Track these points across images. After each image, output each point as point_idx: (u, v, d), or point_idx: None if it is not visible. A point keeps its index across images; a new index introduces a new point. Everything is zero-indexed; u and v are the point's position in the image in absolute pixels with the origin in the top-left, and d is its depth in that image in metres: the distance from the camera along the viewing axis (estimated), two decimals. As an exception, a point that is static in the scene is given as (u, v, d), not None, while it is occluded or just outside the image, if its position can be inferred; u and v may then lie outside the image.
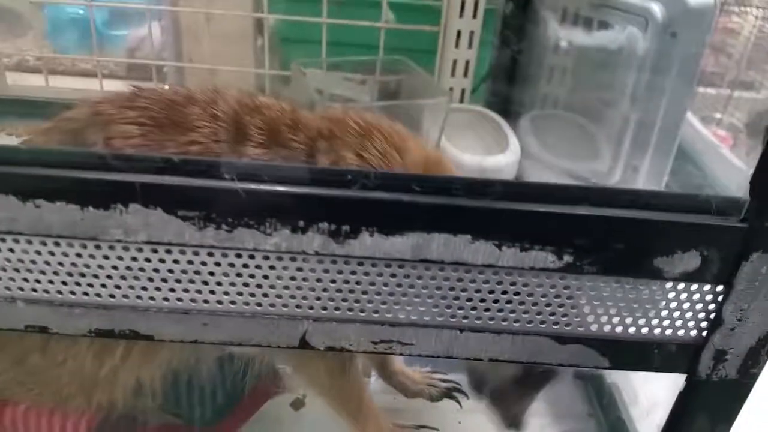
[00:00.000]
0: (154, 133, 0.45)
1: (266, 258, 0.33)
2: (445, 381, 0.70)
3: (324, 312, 0.35)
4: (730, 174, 0.96)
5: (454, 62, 0.90)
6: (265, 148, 0.45)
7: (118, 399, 0.51)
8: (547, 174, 0.84)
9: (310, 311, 0.35)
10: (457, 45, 0.89)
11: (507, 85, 0.92)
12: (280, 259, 0.33)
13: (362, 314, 0.35)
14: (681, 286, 0.34)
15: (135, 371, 0.50)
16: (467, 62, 0.90)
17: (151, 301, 0.35)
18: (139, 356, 0.49)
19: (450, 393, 0.69)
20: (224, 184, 0.31)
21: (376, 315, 0.35)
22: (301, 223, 0.32)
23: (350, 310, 0.35)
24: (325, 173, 0.31)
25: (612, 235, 0.32)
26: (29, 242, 0.33)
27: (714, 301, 0.34)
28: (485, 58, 0.93)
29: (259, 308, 0.35)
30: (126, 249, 0.33)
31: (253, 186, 0.31)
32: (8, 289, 0.35)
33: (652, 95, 0.82)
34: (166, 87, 0.49)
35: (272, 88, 0.96)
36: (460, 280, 0.34)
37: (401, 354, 0.36)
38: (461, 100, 0.92)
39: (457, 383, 0.69)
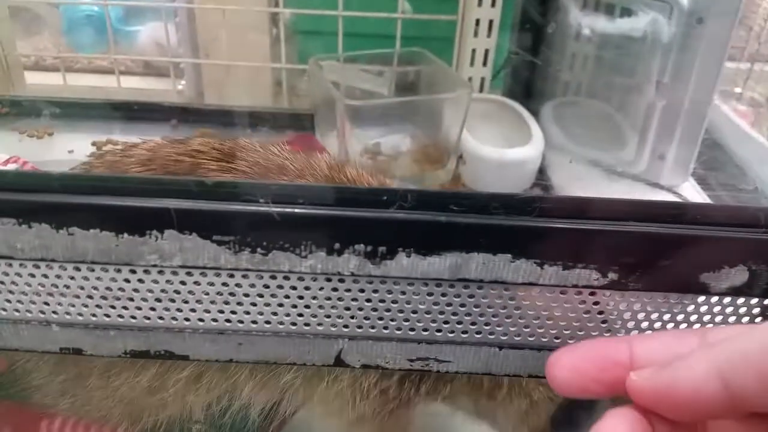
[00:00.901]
0: None
1: (301, 279, 0.33)
2: None
3: (359, 330, 0.35)
4: (757, 154, 0.94)
5: (473, 51, 0.89)
6: None
7: (162, 422, 0.52)
8: (572, 165, 0.83)
9: (345, 330, 0.35)
10: (475, 34, 0.87)
11: (527, 74, 0.90)
12: (315, 280, 0.33)
13: (398, 332, 0.35)
14: (727, 300, 0.33)
15: (182, 399, 0.50)
16: (486, 51, 0.88)
17: (186, 322, 0.34)
18: (187, 384, 0.49)
19: None
20: (259, 208, 0.30)
21: (412, 333, 0.35)
22: (337, 245, 0.31)
23: (386, 328, 0.35)
24: (361, 194, 0.31)
25: (658, 251, 0.31)
26: (63, 268, 0.33)
27: (762, 314, 0.33)
28: (504, 47, 0.91)
29: (293, 327, 0.35)
30: (161, 273, 0.32)
31: (288, 209, 0.30)
32: (42, 312, 0.35)
33: (678, 82, 0.80)
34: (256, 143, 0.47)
35: (289, 82, 0.95)
36: (499, 298, 0.33)
37: (438, 371, 0.36)
38: (480, 90, 0.91)
39: None
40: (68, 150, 0.73)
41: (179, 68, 0.93)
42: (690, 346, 0.29)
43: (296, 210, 0.30)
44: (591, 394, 0.30)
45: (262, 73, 0.94)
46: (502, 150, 0.75)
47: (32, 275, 0.33)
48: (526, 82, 0.90)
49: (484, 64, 0.89)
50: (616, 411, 0.29)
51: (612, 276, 0.32)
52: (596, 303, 0.33)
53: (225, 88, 0.95)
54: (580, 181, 0.84)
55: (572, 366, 0.30)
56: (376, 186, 0.49)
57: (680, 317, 0.34)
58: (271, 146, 0.49)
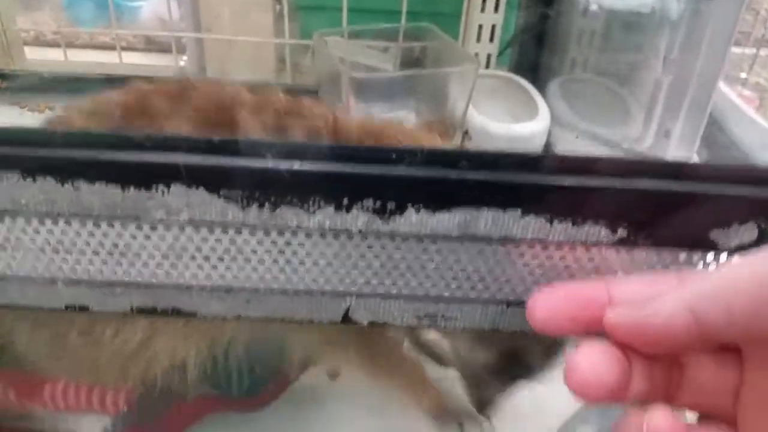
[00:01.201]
0: (204, 132, 0.45)
1: (309, 236, 0.33)
2: None
3: (367, 288, 0.35)
4: (760, 138, 0.94)
5: (480, 27, 0.88)
6: None
7: (156, 374, 0.52)
8: (578, 141, 0.82)
9: (353, 287, 0.35)
10: (482, 9, 0.86)
11: (534, 50, 0.89)
12: (323, 236, 0.33)
13: (406, 290, 0.35)
14: (723, 260, 0.33)
15: (172, 348, 0.50)
16: (493, 27, 0.88)
17: (193, 279, 0.34)
18: (175, 334, 0.49)
19: None
20: (267, 164, 0.30)
21: (420, 290, 0.35)
22: (346, 201, 0.31)
23: (394, 285, 0.34)
24: (370, 151, 0.30)
25: (668, 208, 0.31)
26: (68, 223, 0.32)
27: (771, 273, 0.33)
28: (511, 23, 0.90)
29: (301, 285, 0.35)
30: (168, 228, 0.32)
31: (297, 165, 0.30)
32: (48, 269, 0.34)
33: (686, 58, 0.79)
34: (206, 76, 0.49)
35: (292, 58, 0.94)
36: (507, 254, 0.33)
37: (445, 328, 0.36)
38: (487, 66, 0.90)
39: None
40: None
41: (181, 44, 0.92)
42: (668, 286, 0.29)
43: (305, 166, 0.30)
44: (569, 332, 0.31)
45: (265, 50, 0.94)
46: (508, 125, 0.75)
47: (37, 231, 0.33)
48: (533, 59, 0.90)
49: (491, 40, 0.89)
50: (591, 342, 0.29)
51: (621, 233, 0.31)
52: (605, 259, 0.33)
53: (227, 64, 0.95)
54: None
55: (551, 306, 0.31)
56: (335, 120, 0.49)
57: (689, 276, 0.33)
58: (225, 81, 0.49)
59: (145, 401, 0.54)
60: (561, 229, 0.31)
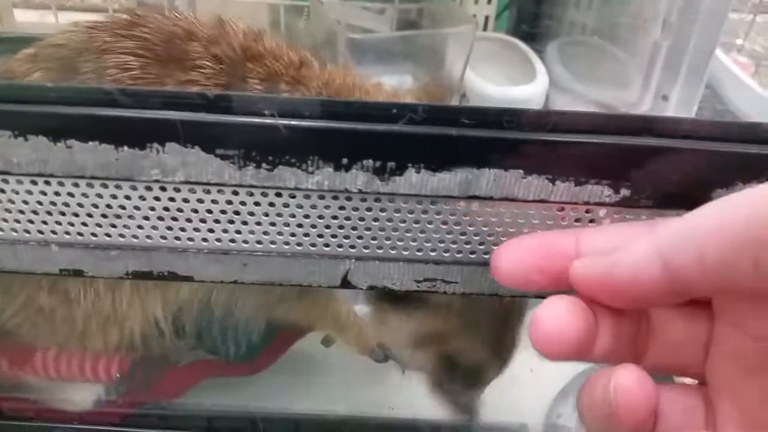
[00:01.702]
0: (153, 67, 0.43)
1: (307, 197, 0.32)
2: None
3: (366, 251, 0.34)
4: (756, 104, 0.93)
5: (477, -12, 0.86)
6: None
7: (135, 337, 0.51)
8: (576, 104, 0.81)
9: (352, 250, 0.34)
10: (480, -31, 0.85)
11: (532, 12, 0.88)
12: (321, 197, 0.32)
13: (406, 252, 0.34)
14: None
15: (144, 307, 0.50)
16: (491, -12, 0.86)
17: (190, 242, 0.34)
18: (145, 293, 0.48)
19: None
20: (264, 121, 0.29)
21: (420, 253, 0.34)
22: (345, 161, 0.30)
23: (393, 248, 0.34)
24: (370, 107, 0.30)
25: (671, 167, 0.30)
26: (61, 184, 0.32)
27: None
28: (508, -17, 0.88)
29: (299, 248, 0.34)
30: (163, 189, 0.32)
31: (295, 122, 0.29)
32: (41, 232, 0.34)
33: (685, 20, 0.78)
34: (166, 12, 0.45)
35: (287, 21, 0.92)
36: (508, 216, 0.32)
37: (444, 293, 0.35)
38: (485, 28, 0.89)
39: None
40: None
41: (174, 6, 0.90)
42: (639, 236, 0.27)
43: (303, 123, 0.29)
44: (535, 285, 0.30)
45: (259, 12, 0.91)
46: (506, 88, 0.74)
47: (29, 192, 0.32)
48: (531, 21, 0.88)
49: (489, 1, 0.87)
50: (557, 296, 0.28)
51: (624, 192, 0.31)
52: (606, 219, 0.32)
53: (221, 26, 0.93)
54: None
55: (516, 256, 0.30)
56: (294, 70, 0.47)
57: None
58: (177, 13, 0.46)
59: (139, 368, 0.53)
60: (563, 189, 0.31)
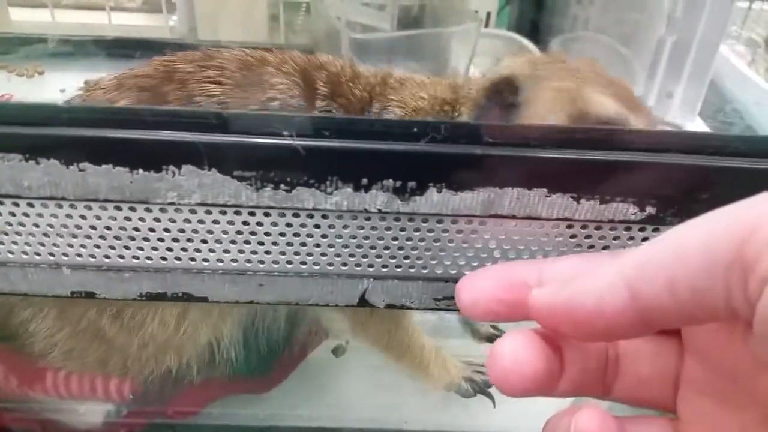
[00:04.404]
0: (235, 91, 0.46)
1: (325, 217, 0.31)
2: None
3: (385, 270, 0.34)
4: (755, 95, 0.93)
5: (478, -16, 0.85)
6: (331, 100, 0.47)
7: (191, 361, 0.51)
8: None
9: (370, 269, 0.34)
10: (481, -35, 0.83)
11: (534, 8, 0.87)
12: (340, 217, 0.31)
13: (425, 271, 0.34)
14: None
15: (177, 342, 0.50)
16: (492, -17, 0.85)
17: (205, 263, 0.33)
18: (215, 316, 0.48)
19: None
20: (282, 141, 0.28)
21: (439, 272, 0.34)
22: (364, 181, 0.30)
23: (412, 267, 0.33)
24: (391, 126, 0.29)
25: (698, 184, 0.30)
26: (73, 207, 0.31)
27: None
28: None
29: (316, 267, 0.33)
30: (178, 211, 0.31)
31: (314, 142, 0.29)
32: (52, 255, 0.33)
33: (690, 16, 0.77)
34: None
35: (286, 17, 0.91)
36: (531, 235, 0.32)
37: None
38: (486, 24, 0.88)
39: None
40: (60, 89, 0.69)
41: (171, 3, 0.89)
42: (603, 264, 0.25)
43: (322, 143, 0.29)
44: (496, 316, 0.28)
45: (258, 8, 0.90)
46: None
47: (41, 215, 0.31)
48: (533, 17, 0.87)
49: (490, -3, 0.86)
50: (515, 331, 0.27)
51: (650, 210, 0.30)
52: (631, 239, 0.32)
53: (218, 23, 0.91)
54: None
55: (478, 287, 0.29)
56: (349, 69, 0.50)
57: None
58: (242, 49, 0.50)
59: (152, 387, 0.53)
60: (588, 207, 0.30)
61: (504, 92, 0.43)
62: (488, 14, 0.87)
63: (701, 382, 0.26)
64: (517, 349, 0.26)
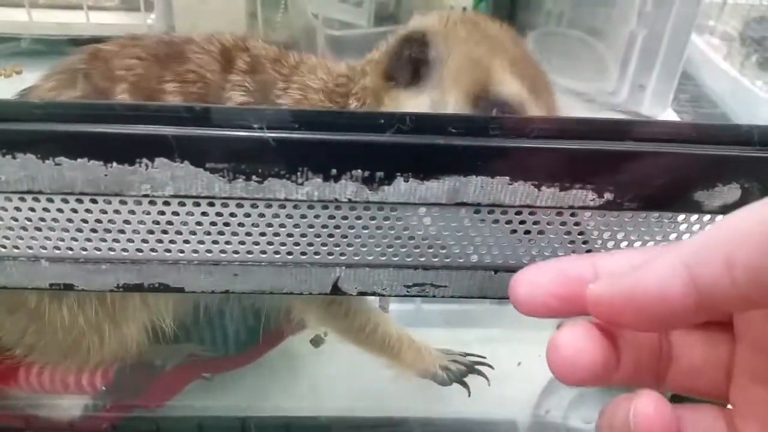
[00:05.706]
0: (155, 64, 0.49)
1: (297, 207, 0.32)
2: (466, 355, 0.67)
3: (356, 258, 0.35)
4: (730, 88, 0.95)
5: (454, -21, 0.86)
6: (246, 74, 0.51)
7: (133, 344, 0.52)
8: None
9: (342, 258, 0.35)
10: (456, -39, 0.85)
11: (509, 3, 0.88)
12: (311, 207, 0.32)
13: (395, 259, 0.35)
14: (720, 218, 0.33)
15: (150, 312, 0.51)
16: (467, -21, 0.86)
17: (180, 254, 0.34)
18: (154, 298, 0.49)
19: (473, 368, 0.67)
20: (253, 134, 0.29)
21: (409, 259, 0.35)
22: (334, 171, 0.31)
23: (383, 255, 0.35)
24: (359, 117, 0.30)
25: (653, 171, 0.31)
26: (50, 200, 0.32)
27: (751, 232, 0.34)
28: (485, -26, 0.89)
29: (289, 257, 0.34)
30: (152, 203, 0.32)
31: (284, 134, 0.30)
32: (30, 248, 0.34)
33: (660, 11, 0.79)
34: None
35: (264, 14, 0.92)
36: (495, 221, 0.33)
37: (434, 297, 0.36)
38: (461, 20, 0.89)
39: (482, 356, 0.67)
40: (37, 87, 0.69)
41: (149, 2, 0.89)
42: (658, 254, 0.26)
43: (292, 135, 0.30)
44: (553, 311, 0.29)
45: (236, 5, 0.91)
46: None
47: (18, 209, 0.32)
48: (508, 13, 0.89)
49: (465, -8, 0.87)
50: (573, 322, 0.28)
51: (608, 196, 0.32)
52: (590, 224, 0.33)
53: (197, 20, 0.92)
54: (560, 112, 0.84)
55: (534, 282, 0.30)
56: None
57: (673, 236, 0.34)
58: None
59: (124, 376, 0.53)
60: (549, 194, 0.32)
61: (413, 46, 0.46)
62: (464, 9, 0.88)
63: (754, 370, 0.27)
64: (577, 340, 0.27)
